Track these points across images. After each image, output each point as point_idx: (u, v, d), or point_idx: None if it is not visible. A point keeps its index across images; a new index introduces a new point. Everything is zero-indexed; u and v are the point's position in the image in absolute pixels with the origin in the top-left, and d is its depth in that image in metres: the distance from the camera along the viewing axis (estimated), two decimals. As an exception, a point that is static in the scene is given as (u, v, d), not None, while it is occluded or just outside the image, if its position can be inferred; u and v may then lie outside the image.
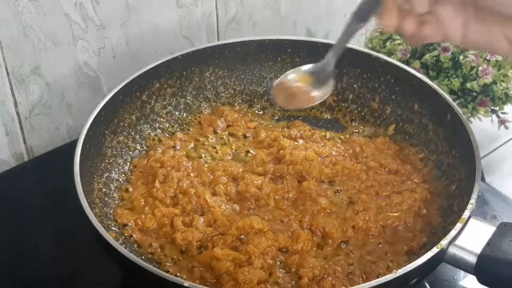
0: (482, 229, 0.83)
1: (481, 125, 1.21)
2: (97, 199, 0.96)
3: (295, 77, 0.96)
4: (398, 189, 1.01)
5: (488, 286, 0.81)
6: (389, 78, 1.13)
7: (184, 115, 1.17)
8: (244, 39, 1.18)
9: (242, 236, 0.92)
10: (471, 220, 0.84)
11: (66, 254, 1.00)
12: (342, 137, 1.14)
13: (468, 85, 1.16)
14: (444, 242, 0.81)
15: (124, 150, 1.07)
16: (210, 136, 1.13)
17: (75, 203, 0.86)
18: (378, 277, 0.85)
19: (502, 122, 1.23)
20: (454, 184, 0.98)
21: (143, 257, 0.91)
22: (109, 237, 0.82)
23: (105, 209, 0.96)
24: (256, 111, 1.20)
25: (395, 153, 1.09)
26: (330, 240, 0.93)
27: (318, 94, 0.94)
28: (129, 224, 0.95)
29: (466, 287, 0.96)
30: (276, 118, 1.20)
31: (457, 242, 0.82)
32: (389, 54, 1.21)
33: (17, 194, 1.10)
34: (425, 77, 1.09)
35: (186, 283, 0.76)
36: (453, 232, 0.82)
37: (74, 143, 0.95)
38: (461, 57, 1.16)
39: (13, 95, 1.11)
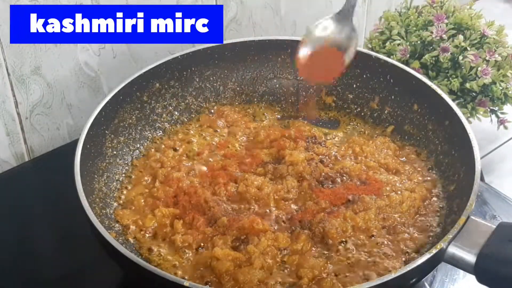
0: (481, 229, 0.83)
1: (480, 125, 1.21)
2: (97, 199, 0.96)
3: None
4: (398, 189, 1.01)
5: (488, 285, 0.81)
6: (389, 78, 1.13)
7: (184, 116, 1.17)
8: (244, 39, 1.18)
9: (242, 236, 0.92)
10: (471, 220, 0.84)
11: (66, 254, 1.01)
12: (341, 136, 1.14)
13: (468, 85, 1.16)
14: (443, 242, 0.81)
15: (124, 150, 1.08)
16: (210, 136, 1.13)
17: (76, 203, 0.87)
18: (378, 277, 0.85)
19: (501, 122, 1.24)
20: (454, 184, 0.99)
21: (143, 256, 0.91)
22: (109, 237, 0.82)
23: (105, 209, 0.96)
24: (256, 111, 1.20)
25: (395, 153, 1.09)
26: (330, 240, 0.93)
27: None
28: (130, 224, 0.96)
29: (466, 287, 0.97)
30: (276, 118, 1.20)
31: (457, 242, 0.82)
32: (389, 54, 1.21)
33: (18, 194, 1.11)
34: (424, 78, 1.09)
35: (186, 283, 0.76)
36: (452, 232, 0.82)
37: (74, 143, 0.95)
38: (460, 58, 1.16)
39: (14, 95, 1.11)
